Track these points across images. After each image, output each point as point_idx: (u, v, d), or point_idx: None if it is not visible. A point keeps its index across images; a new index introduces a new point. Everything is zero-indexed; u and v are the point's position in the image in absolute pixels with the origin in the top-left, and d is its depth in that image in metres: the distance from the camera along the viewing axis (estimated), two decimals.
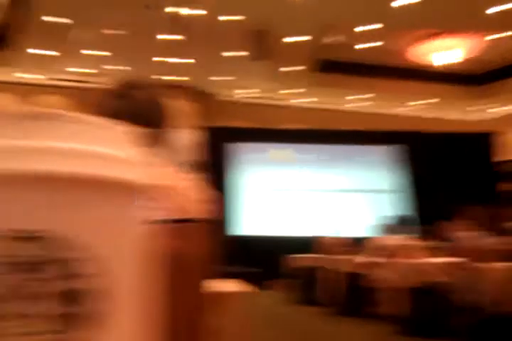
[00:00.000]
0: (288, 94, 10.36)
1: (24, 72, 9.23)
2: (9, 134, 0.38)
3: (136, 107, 1.57)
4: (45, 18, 7.13)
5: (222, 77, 9.48)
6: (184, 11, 6.93)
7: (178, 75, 9.08)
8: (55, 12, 7.07)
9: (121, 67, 9.20)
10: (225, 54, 8.35)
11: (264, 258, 7.92)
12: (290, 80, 9.35)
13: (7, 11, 7.40)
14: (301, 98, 10.70)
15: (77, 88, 9.83)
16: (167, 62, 8.63)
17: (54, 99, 10.11)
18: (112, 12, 6.93)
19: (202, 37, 7.53)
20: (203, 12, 6.97)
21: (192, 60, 8.61)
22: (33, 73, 9.37)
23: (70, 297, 0.37)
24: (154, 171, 0.43)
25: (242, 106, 10.59)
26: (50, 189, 0.35)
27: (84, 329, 0.37)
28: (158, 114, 1.61)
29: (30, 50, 8.31)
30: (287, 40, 7.80)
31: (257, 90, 10.26)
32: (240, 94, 10.49)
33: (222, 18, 7.08)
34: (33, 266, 0.37)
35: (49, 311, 0.37)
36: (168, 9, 6.84)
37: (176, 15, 6.95)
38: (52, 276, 0.37)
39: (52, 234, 0.37)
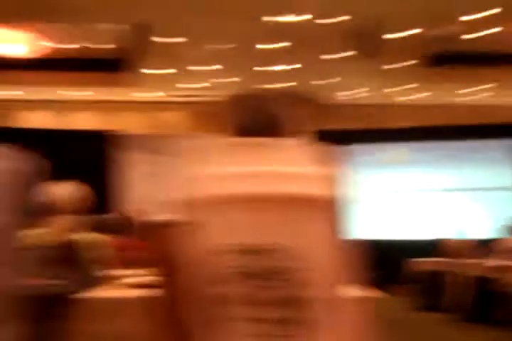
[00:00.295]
0: (397, 91, 10.06)
1: (142, 91, 9.82)
2: (239, 160, 0.44)
3: (264, 119, 1.60)
4: (160, 39, 7.56)
5: (328, 80, 9.44)
6: (286, 18, 7.03)
7: (283, 82, 9.20)
8: (168, 32, 7.47)
9: (231, 79, 9.49)
10: (329, 56, 8.31)
11: (384, 263, 7.75)
12: (398, 77, 9.07)
13: (127, 36, 7.96)
14: (411, 95, 10.34)
15: (192, 102, 10.29)
16: (272, 70, 8.78)
17: (172, 114, 10.67)
18: (221, 26, 7.19)
19: (304, 42, 7.57)
20: (305, 17, 7.02)
21: (296, 66, 8.68)
22: (151, 92, 9.94)
23: (293, 303, 0.42)
24: (339, 184, 0.47)
25: (351, 107, 10.47)
26: (277, 207, 0.41)
27: (303, 334, 0.42)
28: (283, 124, 1.63)
29: (147, 70, 8.83)
30: (394, 35, 7.58)
31: (365, 90, 10.08)
32: (347, 95, 10.39)
33: (324, 21, 7.08)
34: (262, 275, 0.43)
35: (274, 316, 0.42)
36: (269, 18, 6.97)
37: (278, 22, 7.07)
38: (278, 284, 0.42)
39: (278, 247, 0.42)
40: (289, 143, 0.44)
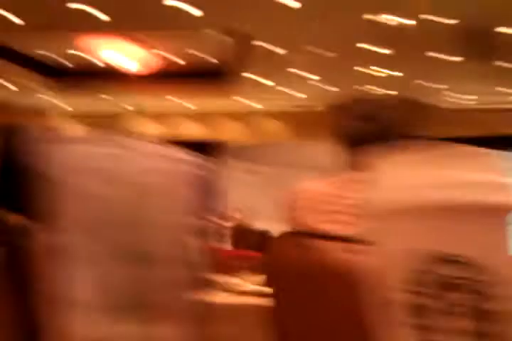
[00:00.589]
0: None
1: (244, 99, 10.00)
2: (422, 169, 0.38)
3: (384, 128, 1.50)
4: (262, 47, 7.63)
5: (438, 85, 9.07)
6: (392, 22, 6.82)
7: (388, 88, 8.95)
8: (269, 40, 7.53)
9: (329, 87, 9.41)
10: (438, 60, 7.97)
11: None
12: None
13: (230, 45, 8.13)
14: None
15: (292, 112, 10.33)
16: (375, 76, 8.57)
17: (273, 124, 10.76)
18: (322, 32, 7.13)
19: (411, 46, 7.31)
20: (412, 22, 6.78)
21: (400, 73, 8.42)
22: (252, 101, 10.10)
23: (481, 316, 0.37)
24: None
25: (462, 112, 9.99)
26: (462, 216, 0.36)
27: None
28: (404, 132, 1.52)
29: (248, 78, 8.96)
30: (506, 32, 7.08)
31: (476, 94, 9.58)
32: (458, 100, 9.92)
33: (430, 23, 6.79)
34: (451, 285, 0.38)
35: (462, 327, 0.38)
36: (372, 19, 6.79)
37: (384, 25, 6.88)
38: (466, 296, 0.38)
39: (467, 259, 0.36)
40: (466, 150, 0.36)
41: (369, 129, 1.50)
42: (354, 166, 1.47)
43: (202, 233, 0.36)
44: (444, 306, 0.32)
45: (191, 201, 0.36)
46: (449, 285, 0.32)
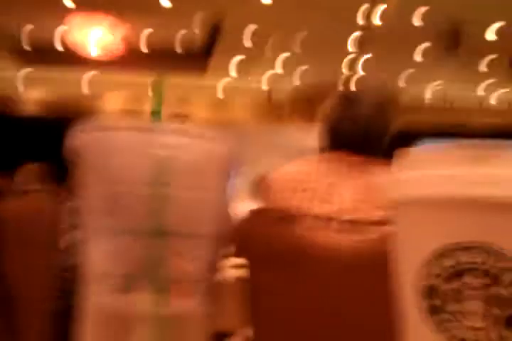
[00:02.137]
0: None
1: (221, 77, 9.91)
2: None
3: (363, 113, 1.52)
4: (233, 26, 7.59)
5: (407, 83, 9.21)
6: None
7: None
8: (241, 20, 7.48)
9: (306, 67, 9.40)
10: (410, 57, 8.11)
11: None
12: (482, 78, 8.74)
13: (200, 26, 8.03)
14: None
15: (268, 90, 10.27)
16: (350, 75, 8.64)
17: (247, 101, 10.70)
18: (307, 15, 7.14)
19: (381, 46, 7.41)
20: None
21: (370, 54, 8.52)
22: (228, 77, 10.00)
23: (492, 300, 0.42)
24: None
25: (429, 110, 10.17)
26: (497, 209, 0.41)
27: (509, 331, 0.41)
28: (384, 120, 1.54)
29: (219, 58, 8.89)
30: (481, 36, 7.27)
31: (443, 92, 9.77)
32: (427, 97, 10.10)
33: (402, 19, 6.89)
34: (464, 269, 0.43)
35: (472, 310, 0.43)
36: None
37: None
38: (479, 280, 0.43)
39: (486, 244, 0.42)
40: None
41: (349, 115, 1.52)
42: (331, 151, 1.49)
43: (222, 208, 0.38)
44: (454, 288, 0.35)
45: (217, 177, 0.39)
46: (461, 270, 0.36)
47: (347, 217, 1.27)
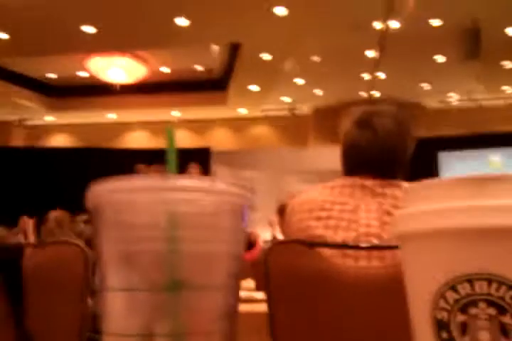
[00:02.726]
0: (504, 93, 9.54)
1: (236, 107, 10.03)
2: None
3: (378, 136, 1.48)
4: (249, 54, 7.68)
5: (429, 85, 9.15)
6: (378, 26, 6.90)
7: (380, 90, 9.03)
8: (257, 49, 7.57)
9: (321, 92, 9.44)
10: (431, 60, 8.04)
11: None
12: (506, 78, 8.58)
13: (218, 56, 8.19)
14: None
15: (285, 117, 10.36)
16: (362, 78, 8.64)
17: (263, 129, 10.80)
18: (316, 40, 7.19)
19: (403, 48, 7.38)
20: (398, 25, 6.86)
21: (386, 75, 8.49)
22: (244, 108, 10.12)
23: (500, 329, 0.42)
24: None
25: (454, 112, 10.07)
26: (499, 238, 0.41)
27: None
28: (400, 142, 1.50)
29: (237, 85, 8.98)
30: (502, 33, 7.17)
31: (467, 94, 9.66)
32: (449, 99, 10.01)
33: (422, 25, 6.86)
34: (474, 300, 0.43)
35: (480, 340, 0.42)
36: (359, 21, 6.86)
37: (367, 30, 6.96)
38: (487, 310, 0.43)
39: (497, 276, 0.42)
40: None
41: (365, 136, 1.47)
42: (352, 173, 1.47)
43: (235, 258, 0.39)
44: (462, 320, 0.36)
45: (229, 229, 0.40)
46: (469, 302, 0.36)
47: (365, 242, 1.27)
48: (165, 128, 0.58)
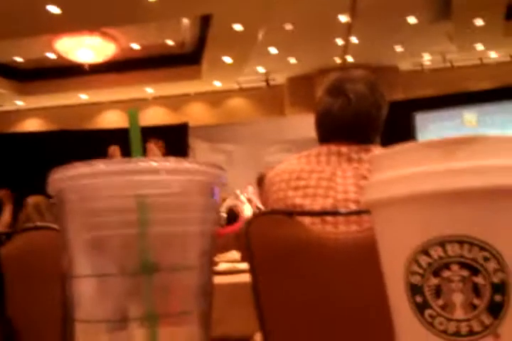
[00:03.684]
0: (477, 51, 9.56)
1: (211, 81, 9.92)
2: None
3: (351, 102, 1.49)
4: (220, 26, 7.56)
5: (402, 48, 9.14)
6: None
7: (353, 55, 8.99)
8: (228, 21, 7.45)
9: (295, 60, 9.38)
10: (403, 22, 8.00)
11: None
12: (478, 36, 8.58)
13: (188, 30, 8.04)
14: (495, 53, 9.77)
15: (261, 88, 10.30)
16: (343, 44, 8.57)
17: (240, 102, 10.74)
18: (288, 7, 7.10)
19: (374, 11, 7.33)
20: None
21: (358, 40, 8.46)
22: (218, 81, 10.02)
23: (473, 290, 0.43)
24: None
25: (427, 73, 10.10)
26: (475, 200, 0.41)
27: (490, 319, 0.42)
28: (373, 107, 1.51)
29: (209, 58, 8.86)
30: None
31: (440, 54, 9.68)
32: (423, 61, 10.02)
33: None
34: (445, 263, 0.43)
35: (453, 301, 0.43)
36: None
37: None
38: (460, 272, 0.43)
39: (470, 238, 0.42)
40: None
41: (338, 103, 1.48)
42: (328, 142, 1.47)
43: (207, 237, 0.39)
44: (436, 283, 0.36)
45: (200, 208, 0.40)
46: (441, 265, 0.36)
47: (343, 208, 1.28)
48: (127, 111, 0.57)
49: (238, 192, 4.61)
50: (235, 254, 2.27)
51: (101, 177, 0.45)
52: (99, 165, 0.45)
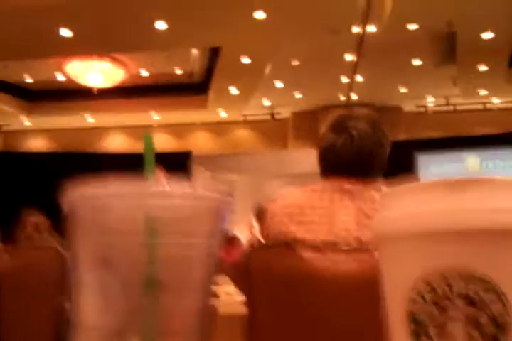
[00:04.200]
0: (481, 96, 9.68)
1: (217, 111, 10.02)
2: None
3: (354, 140, 1.50)
4: (229, 57, 7.68)
5: (406, 89, 9.26)
6: (355, 30, 6.97)
7: (358, 93, 9.10)
8: (236, 54, 7.58)
9: (300, 95, 9.49)
10: (408, 63, 8.13)
11: None
12: (482, 81, 8.71)
13: (198, 60, 8.18)
14: (497, 99, 9.88)
15: (266, 121, 10.39)
16: (348, 82, 8.69)
17: (244, 133, 10.81)
18: (295, 43, 7.22)
19: (380, 51, 7.45)
20: (375, 30, 6.93)
21: (363, 79, 8.57)
22: (224, 111, 10.11)
23: (475, 326, 0.44)
24: None
25: (431, 115, 10.21)
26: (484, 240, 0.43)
27: None
28: (375, 145, 1.52)
29: (217, 88, 8.97)
30: (477, 38, 7.27)
31: (444, 97, 9.80)
32: (426, 103, 10.14)
33: (392, 30, 6.96)
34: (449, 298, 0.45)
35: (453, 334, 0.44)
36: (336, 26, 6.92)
37: (344, 35, 7.03)
38: (464, 308, 0.44)
39: (478, 275, 0.44)
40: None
41: (341, 140, 1.49)
42: (329, 177, 1.48)
43: (211, 260, 0.39)
44: (435, 313, 0.37)
45: (207, 233, 0.40)
46: (442, 296, 0.37)
47: (344, 245, 1.28)
48: (143, 135, 0.58)
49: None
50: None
51: (114, 198, 0.47)
52: (114, 186, 0.47)
